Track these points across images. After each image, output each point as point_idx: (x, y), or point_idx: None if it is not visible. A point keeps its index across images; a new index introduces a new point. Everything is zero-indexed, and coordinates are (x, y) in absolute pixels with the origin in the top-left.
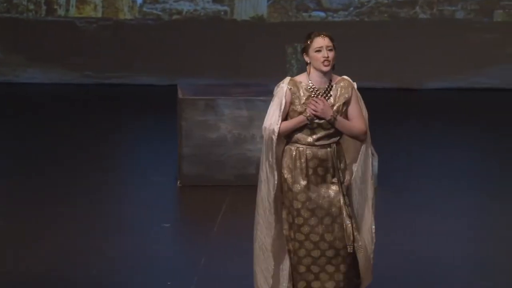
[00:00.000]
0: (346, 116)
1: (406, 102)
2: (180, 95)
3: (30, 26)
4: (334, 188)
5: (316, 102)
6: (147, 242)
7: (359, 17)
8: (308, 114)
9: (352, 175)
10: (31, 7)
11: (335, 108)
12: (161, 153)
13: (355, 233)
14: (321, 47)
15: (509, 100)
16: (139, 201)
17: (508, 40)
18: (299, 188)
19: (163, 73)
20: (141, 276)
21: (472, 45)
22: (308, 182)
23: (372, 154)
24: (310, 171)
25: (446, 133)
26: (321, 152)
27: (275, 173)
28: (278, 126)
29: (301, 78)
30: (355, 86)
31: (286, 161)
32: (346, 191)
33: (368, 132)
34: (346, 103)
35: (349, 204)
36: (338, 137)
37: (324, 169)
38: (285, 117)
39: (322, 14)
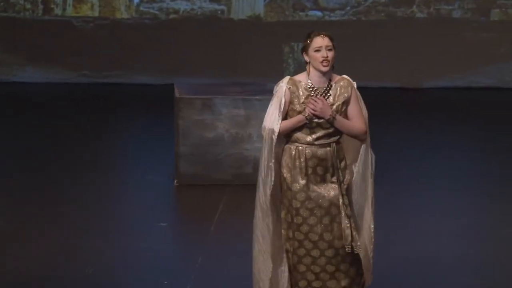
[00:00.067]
0: (346, 116)
1: (403, 101)
2: (177, 94)
3: (27, 25)
4: (334, 187)
5: (315, 101)
6: (144, 241)
7: (356, 16)
8: (307, 114)
9: (353, 175)
10: (28, 6)
11: (334, 107)
12: (158, 152)
13: (354, 233)
14: (321, 46)
15: (507, 99)
16: (136, 200)
17: (505, 39)
18: (298, 187)
19: (160, 72)
20: (138, 275)
21: (469, 44)
22: (308, 181)
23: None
24: (310, 170)
25: (443, 132)
26: (320, 152)
27: (273, 174)
28: (278, 125)
29: (301, 77)
30: (355, 85)
31: (286, 160)
32: (346, 191)
33: (368, 132)
34: (346, 103)
35: (349, 204)
36: (338, 137)
37: (324, 169)
38: (285, 117)
39: (319, 13)
